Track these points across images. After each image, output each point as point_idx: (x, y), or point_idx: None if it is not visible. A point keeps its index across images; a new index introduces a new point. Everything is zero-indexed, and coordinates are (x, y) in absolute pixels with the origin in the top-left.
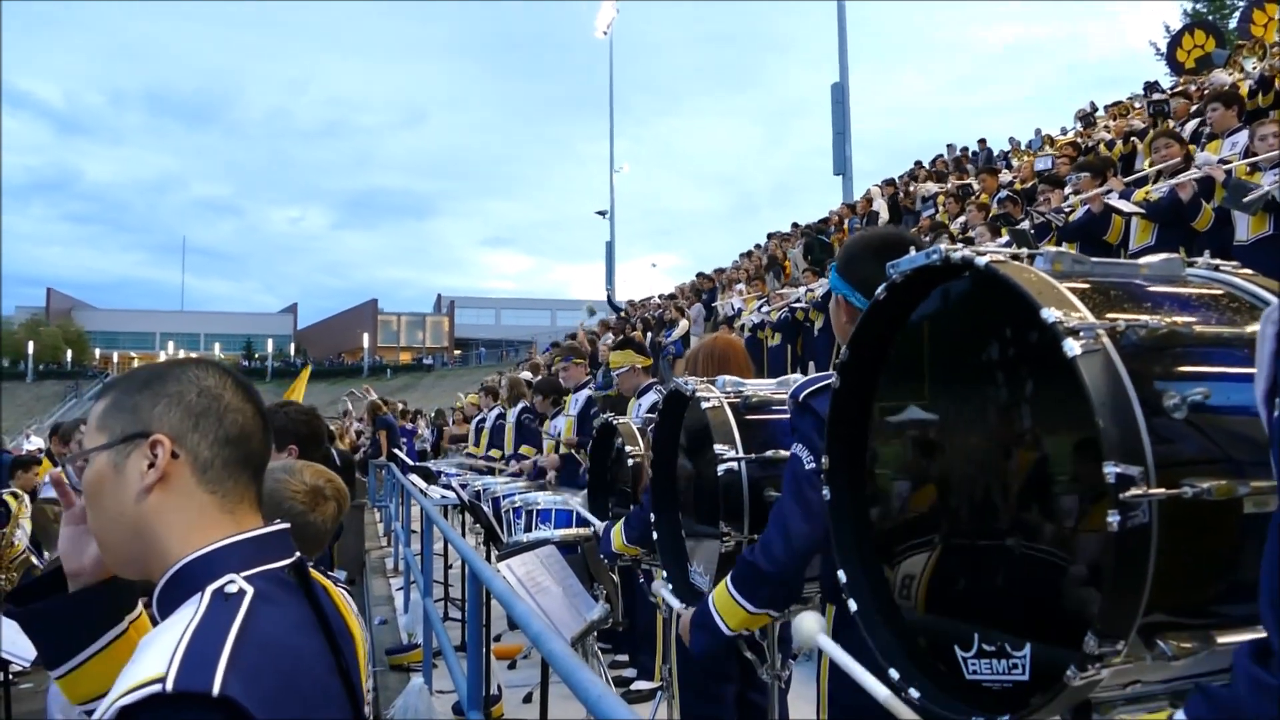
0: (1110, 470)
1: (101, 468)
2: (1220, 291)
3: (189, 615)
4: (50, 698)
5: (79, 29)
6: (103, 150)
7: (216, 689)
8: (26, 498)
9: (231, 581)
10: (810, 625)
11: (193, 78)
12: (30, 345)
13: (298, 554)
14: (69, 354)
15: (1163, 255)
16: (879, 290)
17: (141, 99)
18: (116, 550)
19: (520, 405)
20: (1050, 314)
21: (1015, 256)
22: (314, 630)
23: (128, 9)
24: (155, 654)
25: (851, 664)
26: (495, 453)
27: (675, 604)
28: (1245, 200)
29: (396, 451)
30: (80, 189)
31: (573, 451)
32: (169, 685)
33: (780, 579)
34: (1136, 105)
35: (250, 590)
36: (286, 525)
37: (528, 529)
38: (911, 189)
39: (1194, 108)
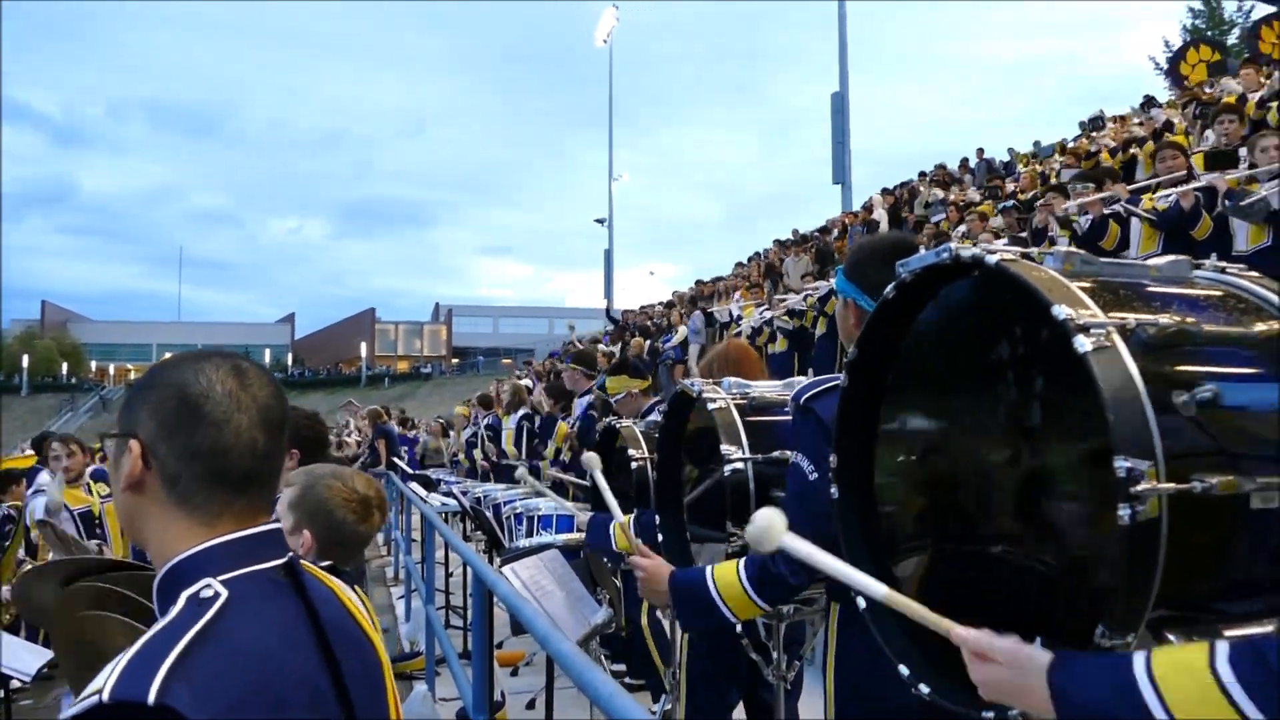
0: (1121, 465)
1: (111, 455)
2: (1228, 293)
3: (161, 623)
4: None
5: (78, 40)
6: (101, 161)
7: (152, 698)
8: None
9: (207, 586)
10: (770, 526)
11: (193, 88)
12: (25, 358)
13: (289, 554)
14: (64, 367)
15: (1170, 257)
16: (888, 289)
17: (141, 110)
18: (129, 530)
19: (520, 412)
20: (1061, 311)
21: (1025, 255)
22: (303, 632)
23: (128, 21)
24: (113, 664)
25: (829, 561)
26: (512, 451)
27: (605, 491)
28: (1244, 205)
29: (396, 460)
30: (77, 201)
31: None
32: (104, 695)
33: (799, 586)
34: (1137, 121)
35: (224, 594)
36: (277, 525)
37: (529, 535)
38: (917, 195)
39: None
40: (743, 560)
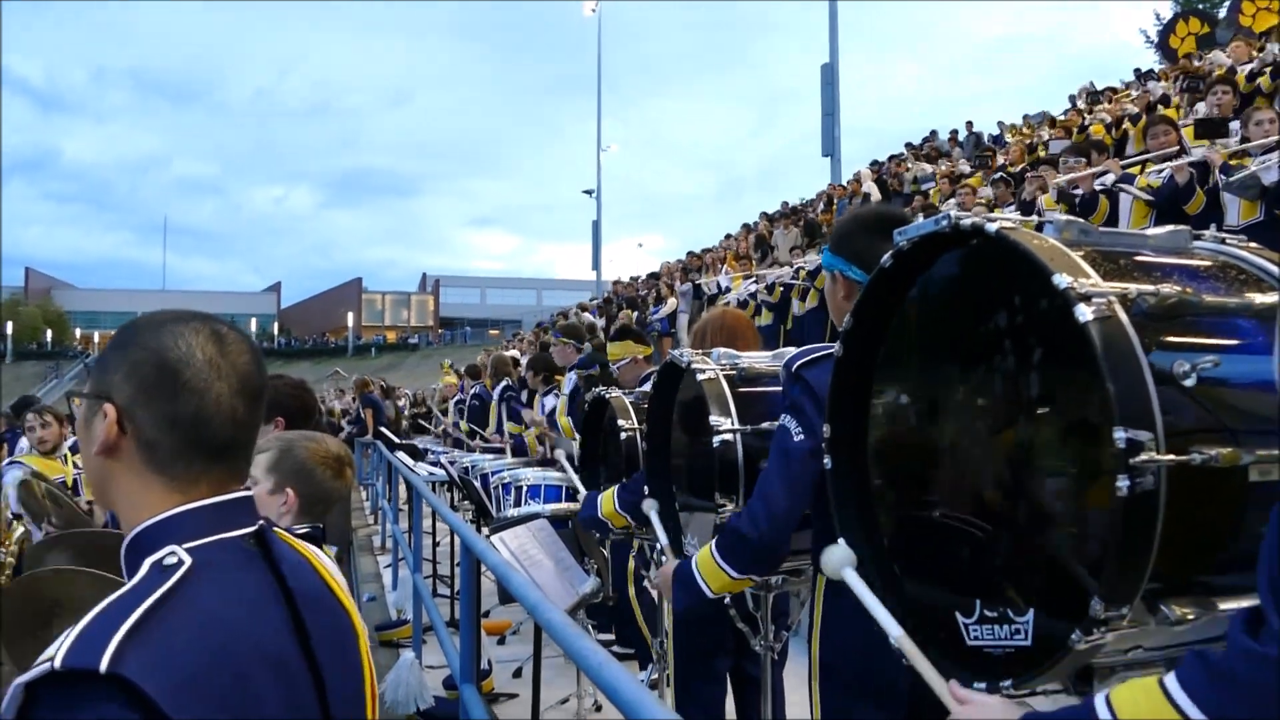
0: (1120, 435)
1: (81, 415)
2: (1226, 264)
3: (121, 589)
4: None
5: (61, 6)
6: (85, 129)
7: (104, 666)
8: None
9: (171, 553)
10: (839, 557)
11: (178, 57)
12: (9, 325)
13: (260, 522)
14: (49, 334)
15: (1169, 227)
16: (885, 258)
17: (125, 77)
18: (98, 494)
19: (504, 383)
20: (1062, 279)
21: (1024, 224)
22: (272, 601)
23: None
24: (69, 630)
25: (871, 600)
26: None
27: (659, 528)
28: (1235, 181)
29: (383, 429)
30: (61, 168)
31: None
32: (56, 662)
33: (762, 547)
34: (1133, 96)
35: (188, 561)
36: (248, 493)
37: (517, 504)
38: (903, 168)
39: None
40: None
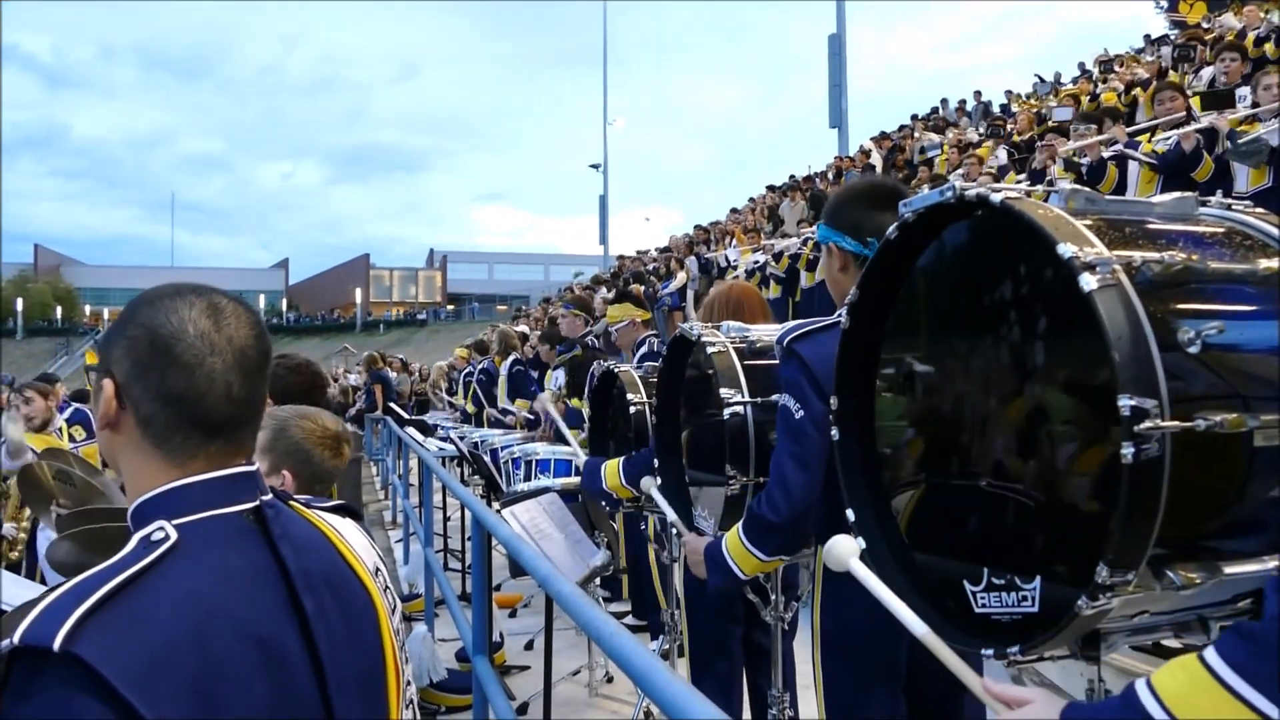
0: (1125, 403)
1: (94, 389)
2: (1232, 230)
3: (102, 565)
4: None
5: None
6: (92, 105)
7: (58, 643)
8: None
9: (160, 528)
10: (843, 548)
11: (185, 32)
12: (19, 302)
13: (261, 498)
14: (58, 311)
15: (1175, 194)
16: (890, 230)
17: (132, 53)
18: (111, 466)
19: (512, 358)
20: (1066, 249)
21: (1029, 194)
22: (266, 581)
23: None
24: (37, 606)
25: (883, 592)
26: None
27: (663, 503)
28: (1242, 147)
29: (393, 405)
30: (69, 144)
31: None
32: (15, 638)
33: (787, 530)
34: (1146, 59)
35: (174, 536)
36: (252, 468)
37: (527, 479)
38: (912, 139)
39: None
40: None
